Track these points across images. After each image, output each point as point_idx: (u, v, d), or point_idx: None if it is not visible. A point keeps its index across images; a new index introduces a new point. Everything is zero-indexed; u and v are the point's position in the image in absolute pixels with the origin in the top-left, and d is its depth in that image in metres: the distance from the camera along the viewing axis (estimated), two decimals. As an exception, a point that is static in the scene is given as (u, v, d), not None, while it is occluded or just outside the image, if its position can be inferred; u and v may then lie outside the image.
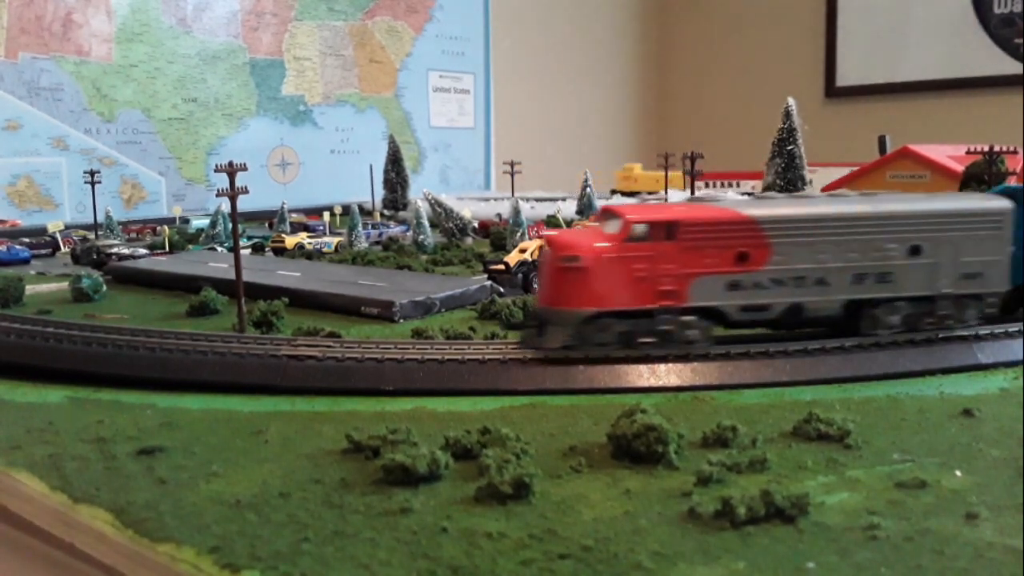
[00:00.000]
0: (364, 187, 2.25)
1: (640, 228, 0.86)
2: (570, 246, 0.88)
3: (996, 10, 2.66)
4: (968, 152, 1.16)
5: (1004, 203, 0.92)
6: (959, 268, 0.91)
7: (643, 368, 0.87)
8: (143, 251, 1.83)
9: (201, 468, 0.67)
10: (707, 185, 2.45)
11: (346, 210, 2.15)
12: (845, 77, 3.04)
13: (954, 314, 0.92)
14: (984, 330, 0.93)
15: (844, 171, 1.74)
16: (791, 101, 1.33)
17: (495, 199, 2.50)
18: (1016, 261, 0.94)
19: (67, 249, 2.00)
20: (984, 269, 0.91)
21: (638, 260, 0.86)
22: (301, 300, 1.30)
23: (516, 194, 2.19)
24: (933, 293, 0.91)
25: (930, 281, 0.90)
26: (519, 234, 1.75)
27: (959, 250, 0.91)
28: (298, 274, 1.50)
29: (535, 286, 1.32)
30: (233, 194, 1.11)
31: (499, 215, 2.27)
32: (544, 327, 0.89)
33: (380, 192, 2.36)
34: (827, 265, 0.88)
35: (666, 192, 2.11)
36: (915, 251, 0.90)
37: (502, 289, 1.36)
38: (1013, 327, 0.94)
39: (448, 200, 2.14)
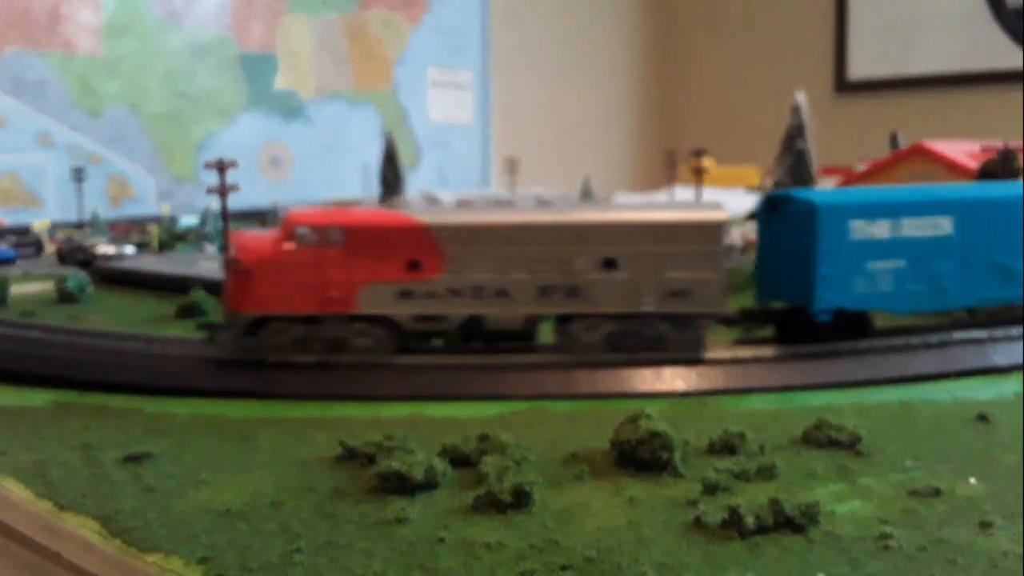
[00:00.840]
0: (359, 185, 2.23)
1: (303, 231, 0.84)
2: (240, 248, 0.87)
3: (1010, 3, 2.64)
4: (983, 149, 1.15)
5: (717, 214, 0.84)
6: (664, 285, 0.83)
7: (647, 372, 0.85)
8: (130, 250, 1.79)
9: (190, 476, 0.66)
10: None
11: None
12: (855, 71, 3.01)
13: (667, 335, 0.84)
14: (999, 332, 0.91)
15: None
16: (800, 96, 1.31)
17: (493, 197, 2.48)
18: (770, 275, 0.90)
19: (53, 248, 1.97)
20: (694, 287, 0.83)
21: (302, 265, 0.83)
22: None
23: (516, 192, 2.17)
24: (633, 311, 0.84)
25: (630, 298, 0.83)
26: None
27: (662, 265, 0.83)
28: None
29: None
30: (224, 191, 1.09)
31: None
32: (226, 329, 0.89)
33: (376, 190, 2.34)
34: (508, 276, 0.83)
35: (671, 188, 2.10)
36: (610, 264, 0.83)
37: None
38: None
39: (446, 198, 2.12)
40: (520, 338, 0.88)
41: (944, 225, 0.87)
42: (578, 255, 0.84)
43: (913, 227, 0.87)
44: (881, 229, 0.86)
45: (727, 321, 0.92)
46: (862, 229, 0.85)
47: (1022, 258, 0.88)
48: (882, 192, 0.95)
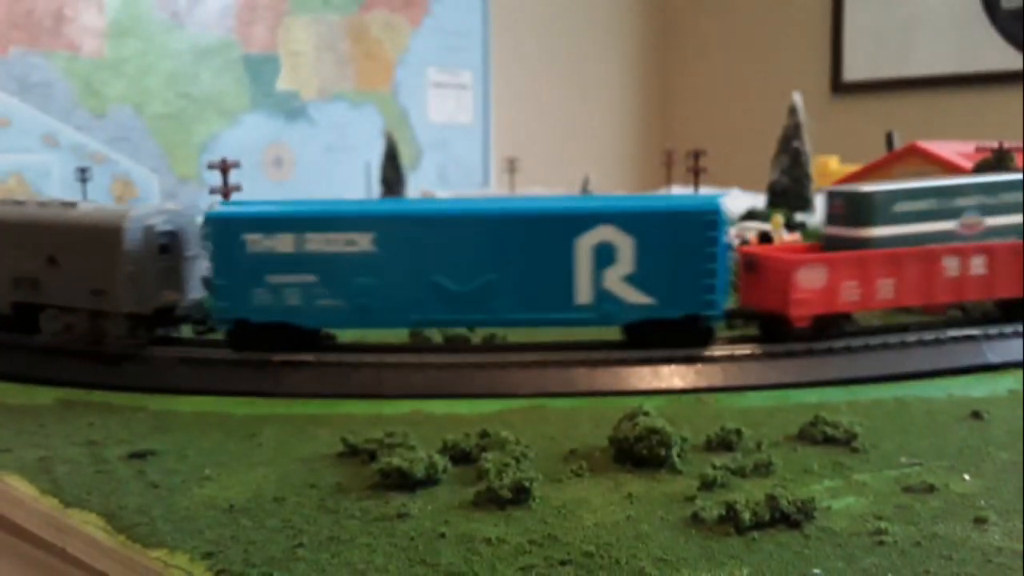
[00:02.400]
0: (360, 184, 2.24)
1: None
2: None
3: (1005, 5, 2.64)
4: (978, 149, 1.16)
5: (119, 218, 0.87)
6: (87, 282, 0.88)
7: (645, 370, 0.86)
8: None
9: (194, 472, 0.66)
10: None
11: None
12: (851, 72, 3.01)
13: (104, 329, 0.89)
14: (993, 329, 0.92)
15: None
16: (797, 97, 1.32)
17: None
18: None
19: None
20: (105, 286, 0.87)
21: None
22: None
23: (516, 192, 2.18)
24: (76, 305, 0.89)
25: (70, 292, 0.89)
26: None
27: (80, 264, 0.88)
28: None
29: None
30: (226, 192, 1.10)
31: None
32: None
33: (377, 190, 2.35)
34: None
35: (667, 190, 2.10)
36: (53, 261, 0.90)
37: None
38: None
39: (446, 198, 2.12)
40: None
41: (362, 241, 0.83)
42: (32, 251, 0.91)
43: (322, 243, 0.84)
44: (284, 243, 0.84)
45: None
46: (258, 242, 0.84)
47: (469, 279, 0.83)
48: (288, 206, 0.91)
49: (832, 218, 0.96)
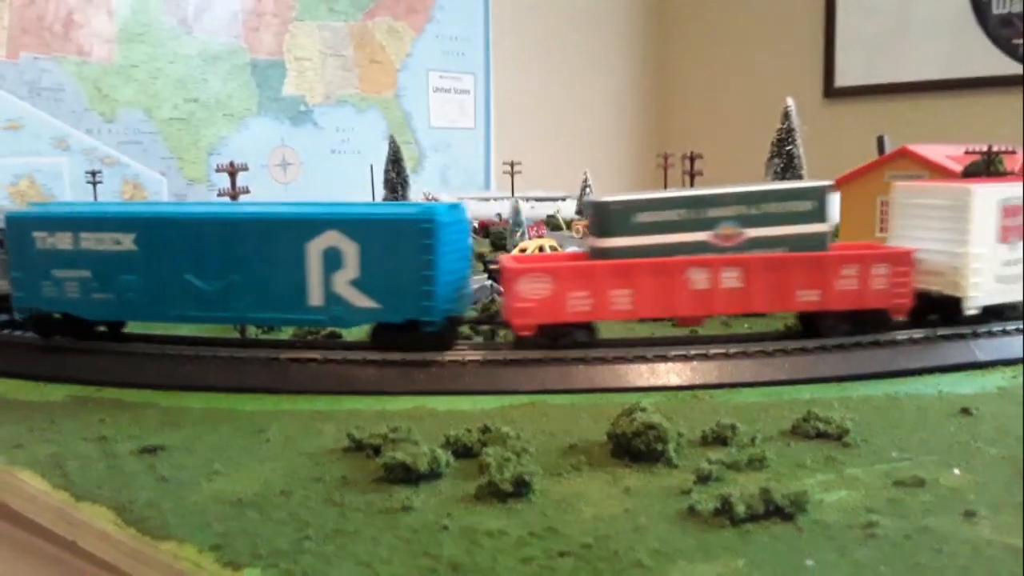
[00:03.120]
0: (364, 187, 2.26)
1: None
2: None
3: (995, 10, 2.66)
4: (967, 152, 1.17)
5: None
6: None
7: (643, 367, 0.87)
8: None
9: (203, 467, 0.67)
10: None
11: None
12: (844, 77, 3.03)
13: None
14: (982, 328, 0.93)
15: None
16: (790, 101, 1.34)
17: (495, 199, 2.51)
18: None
19: None
20: None
21: None
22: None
23: (516, 194, 2.19)
24: None
25: None
26: (519, 234, 1.75)
27: None
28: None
29: None
30: (234, 194, 1.12)
31: (499, 215, 2.27)
32: None
33: (380, 192, 2.37)
34: None
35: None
36: None
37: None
38: (1012, 325, 0.94)
39: (448, 200, 2.14)
40: None
41: (125, 241, 0.91)
42: None
43: (93, 241, 0.92)
44: (64, 241, 0.92)
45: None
46: (44, 239, 0.93)
47: (216, 279, 0.89)
48: (69, 208, 1.03)
49: (588, 227, 0.97)
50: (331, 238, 0.87)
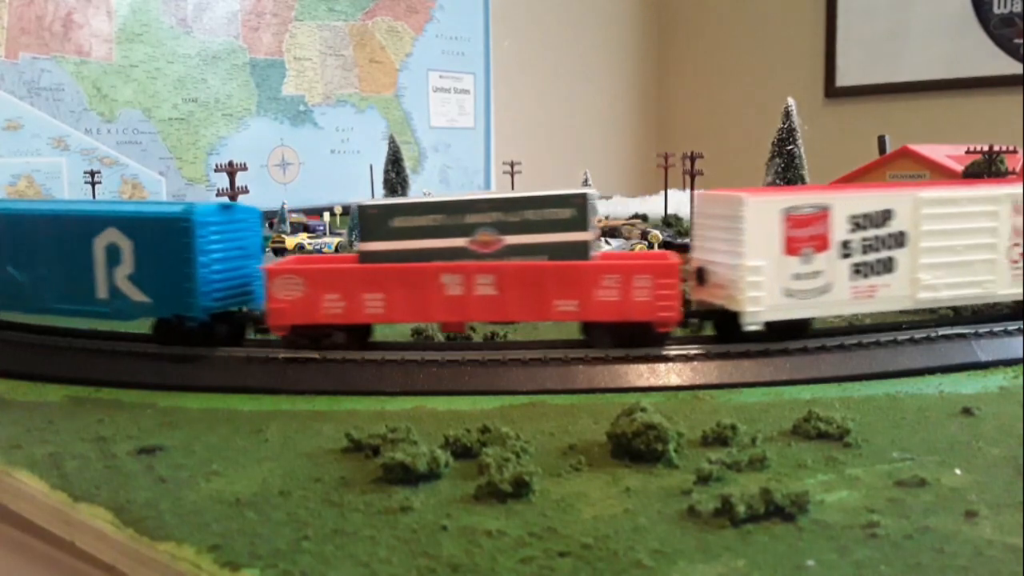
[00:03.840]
0: (364, 187, 2.26)
1: None
2: None
3: (996, 10, 2.67)
4: (968, 152, 1.17)
5: None
6: None
7: (643, 367, 0.87)
8: None
9: (201, 467, 0.67)
10: None
11: (346, 210, 2.15)
12: (845, 77, 3.04)
13: None
14: (984, 328, 0.93)
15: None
16: (791, 101, 1.34)
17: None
18: None
19: None
20: None
21: None
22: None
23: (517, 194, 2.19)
24: None
25: None
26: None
27: None
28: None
29: None
30: (233, 194, 1.12)
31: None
32: None
33: (380, 192, 2.37)
34: None
35: (666, 191, 2.11)
36: None
37: None
38: (1013, 325, 0.94)
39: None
40: None
41: None
42: None
43: None
44: None
45: None
46: None
47: (28, 271, 0.95)
48: None
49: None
50: (111, 235, 0.92)
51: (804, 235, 0.85)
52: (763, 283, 0.85)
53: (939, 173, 1.25)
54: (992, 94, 2.68)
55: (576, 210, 0.87)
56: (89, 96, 2.01)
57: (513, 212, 0.88)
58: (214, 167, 1.21)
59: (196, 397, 0.88)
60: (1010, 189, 0.90)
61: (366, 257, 0.90)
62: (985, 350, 0.91)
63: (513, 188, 2.28)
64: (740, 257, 0.84)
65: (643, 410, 0.68)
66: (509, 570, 0.49)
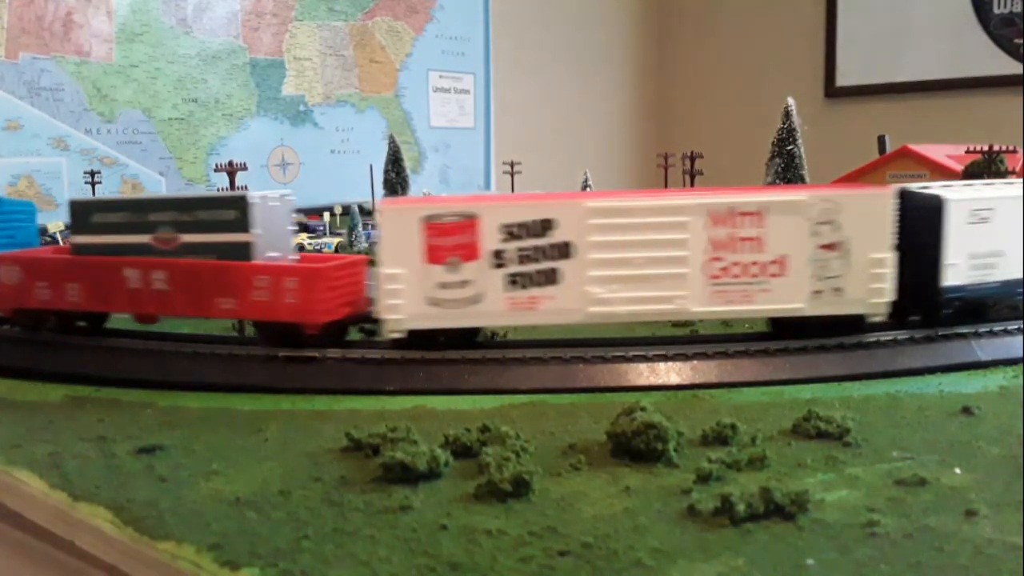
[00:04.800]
0: (364, 187, 2.26)
1: None
2: None
3: (996, 10, 2.67)
4: (968, 151, 1.17)
5: None
6: None
7: (643, 367, 0.87)
8: None
9: (201, 466, 0.67)
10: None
11: (346, 210, 2.16)
12: (845, 77, 3.04)
13: None
14: (984, 328, 0.93)
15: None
16: (791, 101, 1.34)
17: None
18: None
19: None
20: None
21: None
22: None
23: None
24: None
25: None
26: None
27: None
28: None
29: None
30: (233, 194, 1.11)
31: None
32: None
33: (380, 192, 2.36)
34: None
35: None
36: None
37: None
38: (1013, 325, 0.94)
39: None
40: None
41: None
42: None
43: None
44: None
45: None
46: None
47: None
48: None
49: None
50: None
51: (448, 244, 0.84)
52: (402, 291, 0.84)
53: (939, 173, 1.25)
54: (992, 94, 2.68)
55: (239, 212, 0.91)
56: (89, 96, 2.01)
57: (187, 212, 0.93)
58: (214, 167, 1.21)
59: (196, 396, 0.88)
60: (701, 199, 0.83)
61: (76, 249, 0.98)
62: (985, 350, 0.91)
63: (513, 188, 2.28)
64: (380, 265, 0.85)
65: (643, 409, 0.68)
66: (509, 569, 0.49)
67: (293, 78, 2.45)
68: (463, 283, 0.85)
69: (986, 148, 1.11)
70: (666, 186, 1.91)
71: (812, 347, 0.89)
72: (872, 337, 0.90)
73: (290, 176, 2.49)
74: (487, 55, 2.97)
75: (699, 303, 0.85)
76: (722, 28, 3.42)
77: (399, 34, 2.72)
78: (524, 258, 0.84)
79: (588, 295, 0.84)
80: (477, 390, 0.86)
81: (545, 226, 0.84)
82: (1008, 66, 2.70)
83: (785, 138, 1.30)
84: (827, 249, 0.84)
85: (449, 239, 0.84)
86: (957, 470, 0.63)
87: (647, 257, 0.84)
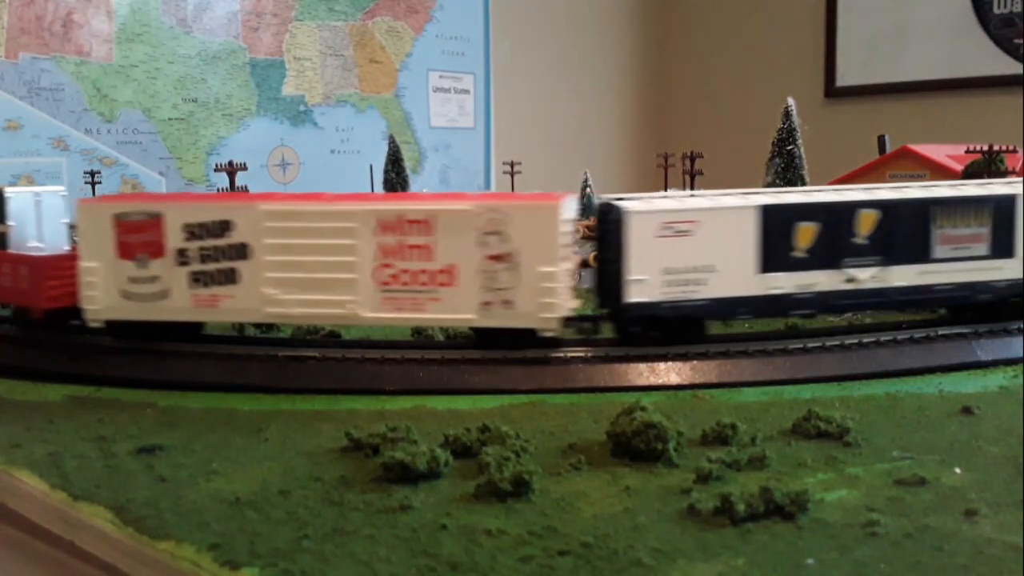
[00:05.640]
0: (364, 187, 2.26)
1: None
2: None
3: (996, 10, 2.67)
4: (967, 151, 1.17)
5: None
6: None
7: (643, 367, 0.87)
8: None
9: (201, 466, 0.67)
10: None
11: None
12: (845, 77, 3.04)
13: None
14: (984, 328, 0.93)
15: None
16: (791, 101, 1.34)
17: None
18: None
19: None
20: None
21: None
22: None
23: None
24: None
25: None
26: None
27: None
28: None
29: None
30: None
31: None
32: None
33: (380, 192, 2.37)
34: None
35: (665, 191, 2.11)
36: None
37: None
38: (1013, 325, 0.94)
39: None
40: None
41: None
42: None
43: None
44: None
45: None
46: None
47: None
48: None
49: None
50: None
51: (137, 240, 0.87)
52: (98, 284, 0.88)
53: (939, 173, 1.25)
54: (992, 94, 2.68)
55: None
56: (89, 96, 2.01)
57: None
58: (214, 167, 1.21)
59: (196, 396, 0.88)
60: (370, 206, 0.84)
61: None
62: (985, 350, 0.91)
63: (513, 188, 2.28)
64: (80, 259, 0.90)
65: (643, 409, 0.68)
66: (509, 569, 0.49)
67: (293, 78, 2.45)
68: (151, 278, 0.88)
69: (986, 148, 1.11)
70: (666, 186, 1.91)
71: (812, 347, 0.89)
72: (872, 337, 0.91)
73: (290, 176, 2.49)
74: (487, 55, 2.97)
75: (369, 309, 0.85)
76: (722, 28, 3.42)
77: (399, 34, 2.72)
78: (205, 257, 0.86)
79: (264, 296, 0.86)
80: (477, 390, 0.86)
81: (223, 227, 0.86)
82: (1008, 66, 2.70)
83: (785, 138, 1.30)
84: (495, 260, 0.82)
85: (137, 236, 0.88)
86: (957, 470, 0.63)
87: (319, 261, 0.85)
